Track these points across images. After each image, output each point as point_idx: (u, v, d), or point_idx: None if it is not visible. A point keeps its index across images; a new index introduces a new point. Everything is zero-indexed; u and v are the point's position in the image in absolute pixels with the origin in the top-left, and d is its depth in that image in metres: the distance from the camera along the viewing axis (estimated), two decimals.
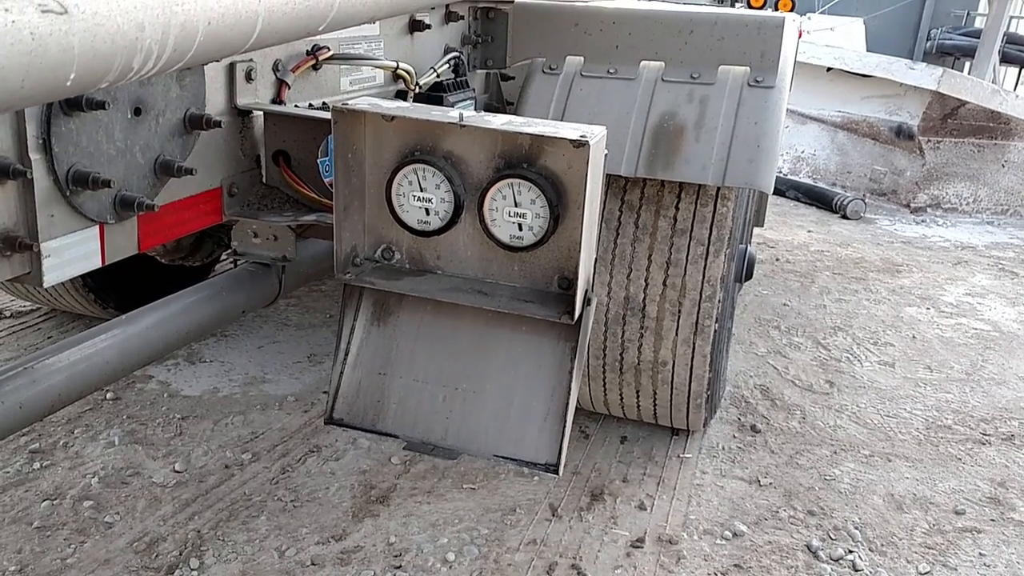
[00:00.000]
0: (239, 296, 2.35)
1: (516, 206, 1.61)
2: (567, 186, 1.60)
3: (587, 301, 1.65)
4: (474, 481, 2.92)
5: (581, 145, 1.51)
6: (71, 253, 1.48)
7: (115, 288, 3.58)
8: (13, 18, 0.69)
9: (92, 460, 2.93)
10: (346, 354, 1.79)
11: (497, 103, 3.16)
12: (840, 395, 3.76)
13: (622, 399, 3.00)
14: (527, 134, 1.56)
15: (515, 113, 2.71)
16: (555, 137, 1.54)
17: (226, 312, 2.33)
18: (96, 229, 1.52)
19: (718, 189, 2.63)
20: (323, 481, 2.89)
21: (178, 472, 2.89)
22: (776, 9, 5.82)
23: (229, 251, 3.17)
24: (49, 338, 3.83)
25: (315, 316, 4.22)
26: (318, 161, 1.90)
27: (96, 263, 1.55)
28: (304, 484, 2.86)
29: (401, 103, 1.71)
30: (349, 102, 1.57)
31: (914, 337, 4.48)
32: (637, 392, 2.93)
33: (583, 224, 1.56)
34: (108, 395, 3.33)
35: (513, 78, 3.13)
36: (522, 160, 1.60)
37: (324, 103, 2.07)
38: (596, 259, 2.63)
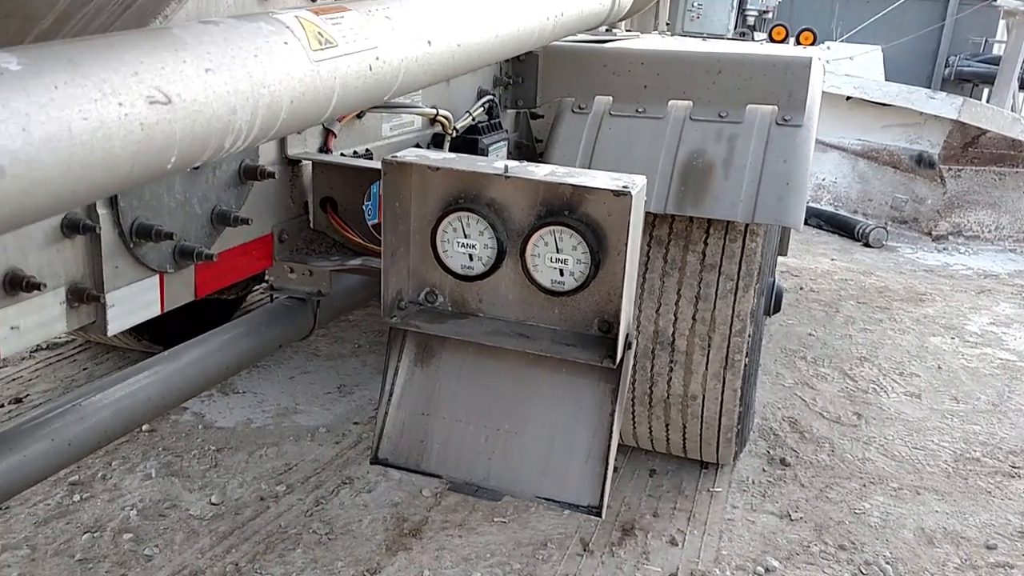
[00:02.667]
0: (276, 330, 2.40)
1: (558, 252, 1.65)
2: (607, 232, 1.64)
3: (628, 345, 1.69)
4: (504, 515, 2.95)
5: (623, 195, 1.55)
6: (132, 302, 1.54)
7: (150, 321, 3.63)
8: (126, 111, 0.75)
9: (130, 492, 2.98)
10: (390, 395, 1.84)
11: (527, 141, 3.22)
12: (868, 427, 3.77)
13: (651, 432, 3.02)
14: (569, 184, 1.61)
15: (545, 151, 2.77)
16: (597, 188, 1.58)
17: (263, 346, 2.38)
18: (156, 278, 1.58)
19: (747, 225, 2.66)
20: (356, 513, 2.92)
21: (214, 504, 2.94)
22: (798, 41, 5.88)
23: (263, 283, 3.22)
24: (84, 369, 3.90)
25: (344, 346, 4.27)
26: (363, 206, 1.95)
27: (155, 311, 1.60)
28: (338, 516, 2.90)
29: (447, 154, 1.77)
30: (397, 155, 1.63)
31: (939, 368, 4.47)
32: (667, 425, 2.96)
33: (624, 270, 1.60)
34: (144, 427, 3.39)
35: (543, 116, 3.20)
36: (563, 207, 1.65)
37: (367, 149, 2.14)
38: None
